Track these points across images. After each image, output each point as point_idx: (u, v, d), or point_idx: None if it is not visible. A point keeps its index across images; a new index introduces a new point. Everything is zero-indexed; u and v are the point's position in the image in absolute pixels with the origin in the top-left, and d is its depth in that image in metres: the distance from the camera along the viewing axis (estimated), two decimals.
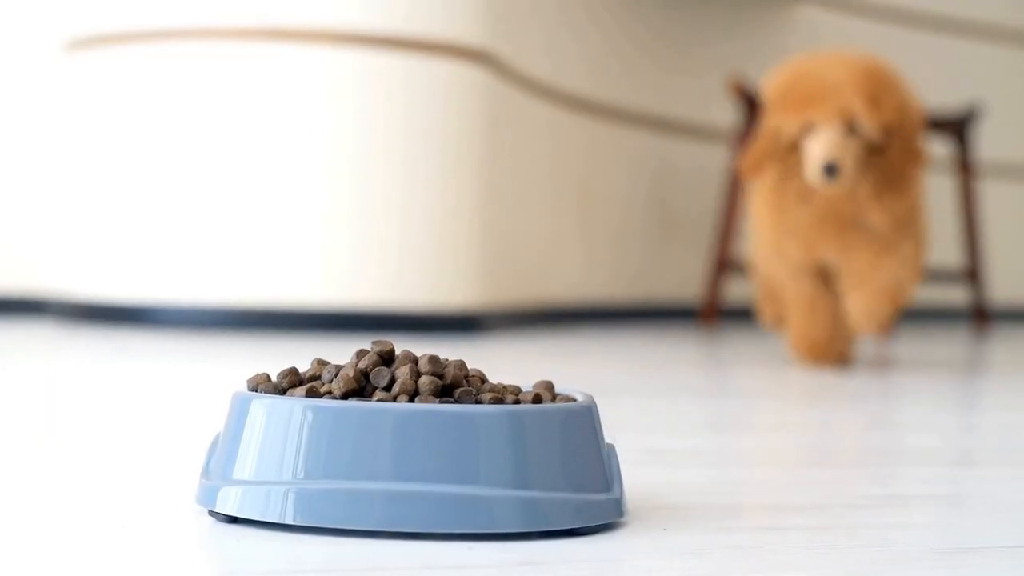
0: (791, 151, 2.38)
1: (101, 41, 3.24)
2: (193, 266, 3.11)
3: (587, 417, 0.91)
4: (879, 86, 2.35)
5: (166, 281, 3.14)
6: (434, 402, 0.87)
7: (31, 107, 3.59)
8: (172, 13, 3.16)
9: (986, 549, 0.89)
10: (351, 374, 0.89)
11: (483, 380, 0.93)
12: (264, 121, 3.08)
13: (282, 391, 0.91)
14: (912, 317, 4.71)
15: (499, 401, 0.89)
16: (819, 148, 2.30)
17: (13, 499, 0.98)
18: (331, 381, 0.90)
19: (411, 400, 0.87)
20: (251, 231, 3.07)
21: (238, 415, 0.89)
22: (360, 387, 0.89)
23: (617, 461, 0.92)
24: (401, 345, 1.00)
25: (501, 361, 2.48)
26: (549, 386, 0.95)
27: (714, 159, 4.37)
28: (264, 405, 0.88)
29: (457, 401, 0.88)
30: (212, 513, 0.88)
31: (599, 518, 0.88)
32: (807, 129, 2.34)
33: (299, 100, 3.08)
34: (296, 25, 3.09)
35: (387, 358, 0.91)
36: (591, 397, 0.95)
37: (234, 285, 3.07)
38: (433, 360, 0.89)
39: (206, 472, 0.91)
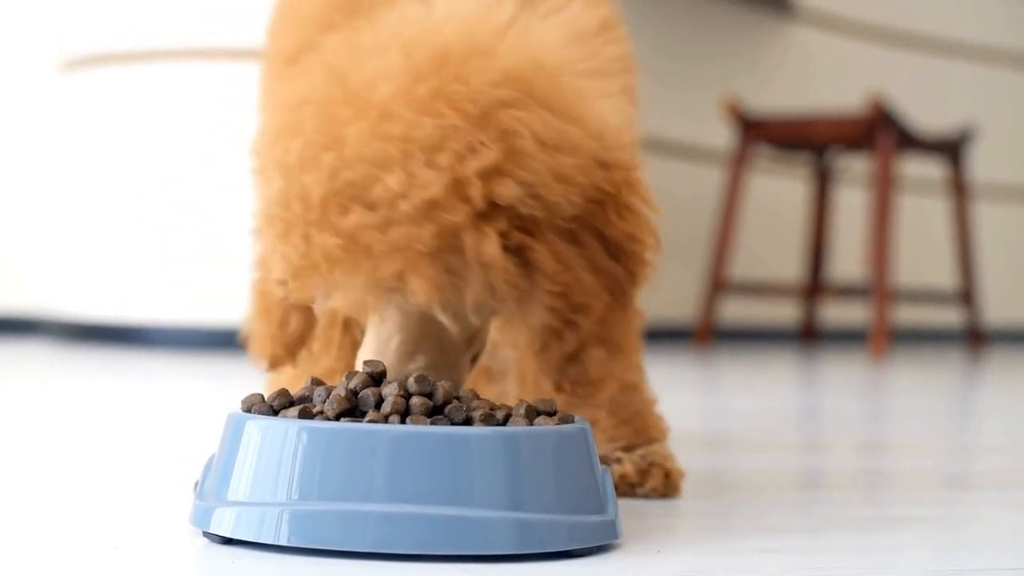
0: None
1: (95, 61, 3.25)
2: (187, 286, 3.11)
3: (581, 439, 0.90)
4: None
5: (160, 301, 3.13)
6: (425, 422, 0.86)
7: (25, 127, 3.59)
8: (169, 33, 3.17)
9: (980, 571, 0.88)
10: (343, 394, 0.88)
11: (476, 397, 0.92)
12: None
13: (273, 412, 0.90)
14: (907, 339, 4.72)
15: (490, 415, 0.88)
16: None
17: (7, 519, 0.98)
18: (324, 402, 0.89)
19: (402, 420, 0.87)
20: (245, 251, 3.07)
21: (233, 436, 0.89)
22: (352, 407, 0.89)
23: (611, 483, 0.92)
24: None
25: None
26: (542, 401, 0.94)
27: (709, 179, 4.38)
28: (259, 426, 0.88)
29: (449, 417, 0.88)
30: (207, 534, 0.88)
31: (593, 540, 0.87)
32: None
33: None
34: None
35: (377, 379, 0.91)
36: (585, 419, 0.95)
37: (228, 305, 3.07)
38: (420, 380, 0.89)
39: (200, 493, 0.90)
